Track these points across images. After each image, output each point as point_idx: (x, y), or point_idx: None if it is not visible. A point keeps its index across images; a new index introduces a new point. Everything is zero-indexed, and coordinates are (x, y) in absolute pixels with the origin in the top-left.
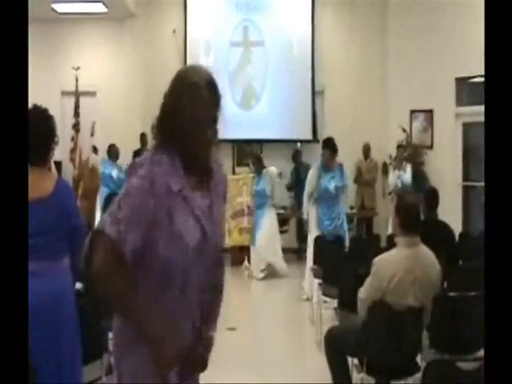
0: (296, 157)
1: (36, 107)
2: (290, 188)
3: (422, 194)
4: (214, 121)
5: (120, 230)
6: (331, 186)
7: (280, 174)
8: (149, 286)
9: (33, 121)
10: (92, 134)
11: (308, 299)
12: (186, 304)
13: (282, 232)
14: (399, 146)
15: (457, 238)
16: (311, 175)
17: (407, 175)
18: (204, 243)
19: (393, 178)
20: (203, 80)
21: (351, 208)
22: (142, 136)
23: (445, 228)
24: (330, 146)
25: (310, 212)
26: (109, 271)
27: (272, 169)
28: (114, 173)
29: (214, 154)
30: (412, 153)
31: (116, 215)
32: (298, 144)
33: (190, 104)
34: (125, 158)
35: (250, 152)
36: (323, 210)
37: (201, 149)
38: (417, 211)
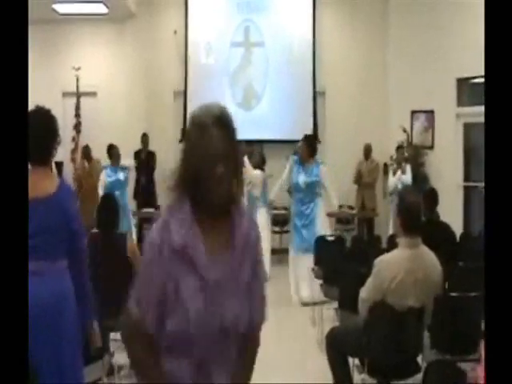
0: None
1: (39, 108)
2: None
3: (422, 195)
4: (228, 157)
5: (141, 310)
6: (300, 180)
7: (270, 176)
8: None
9: (36, 121)
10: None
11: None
12: None
13: (283, 232)
14: (399, 147)
15: (458, 238)
16: (287, 168)
17: (407, 176)
18: (212, 313)
19: (392, 179)
20: (211, 117)
21: (351, 208)
22: (143, 136)
23: (446, 229)
24: (308, 140)
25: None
26: (131, 344)
27: (255, 173)
28: (122, 175)
29: (236, 197)
30: (413, 153)
31: (136, 293)
32: (299, 144)
33: (197, 142)
34: (125, 159)
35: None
36: (296, 207)
37: (211, 186)
38: (418, 212)
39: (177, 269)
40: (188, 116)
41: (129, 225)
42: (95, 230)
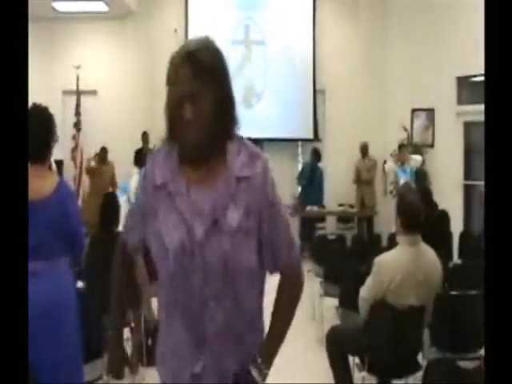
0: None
1: (35, 105)
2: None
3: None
4: (199, 99)
5: (125, 235)
6: None
7: None
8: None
9: (32, 119)
10: None
11: None
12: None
13: None
14: (401, 146)
15: (458, 236)
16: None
17: (406, 173)
18: (192, 248)
19: (389, 168)
20: (182, 52)
21: (352, 207)
22: (144, 135)
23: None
24: None
25: None
26: (116, 269)
27: None
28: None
29: (223, 139)
30: (414, 152)
31: (125, 222)
32: (299, 143)
33: (167, 82)
34: (126, 158)
35: None
36: None
37: (179, 131)
38: (419, 210)
39: (159, 204)
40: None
41: None
42: (101, 228)
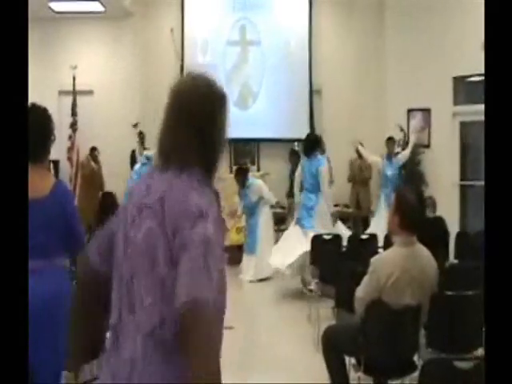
0: (292, 157)
1: (33, 106)
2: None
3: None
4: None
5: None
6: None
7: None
8: None
9: (30, 119)
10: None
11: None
12: None
13: (280, 231)
14: (390, 139)
15: (454, 237)
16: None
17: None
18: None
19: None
20: (174, 87)
21: (347, 207)
22: (140, 134)
23: (439, 224)
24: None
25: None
26: (78, 274)
27: (256, 182)
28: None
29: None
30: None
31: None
32: (296, 143)
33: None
34: (122, 157)
35: (247, 151)
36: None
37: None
38: (415, 210)
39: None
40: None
41: None
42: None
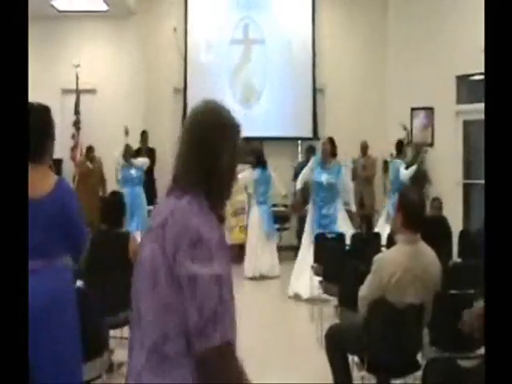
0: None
1: (34, 105)
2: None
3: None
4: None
5: None
6: (323, 178)
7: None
8: None
9: (31, 118)
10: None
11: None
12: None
13: (283, 229)
14: (401, 142)
15: (457, 235)
16: (307, 166)
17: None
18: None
19: (392, 170)
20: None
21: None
22: (143, 134)
23: (442, 223)
24: (330, 141)
25: (308, 211)
26: None
27: (243, 175)
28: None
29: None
30: (416, 153)
31: None
32: (299, 142)
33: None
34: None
35: (250, 150)
36: (318, 207)
37: None
38: (420, 209)
39: None
40: (188, 113)
41: (142, 224)
42: (102, 227)
